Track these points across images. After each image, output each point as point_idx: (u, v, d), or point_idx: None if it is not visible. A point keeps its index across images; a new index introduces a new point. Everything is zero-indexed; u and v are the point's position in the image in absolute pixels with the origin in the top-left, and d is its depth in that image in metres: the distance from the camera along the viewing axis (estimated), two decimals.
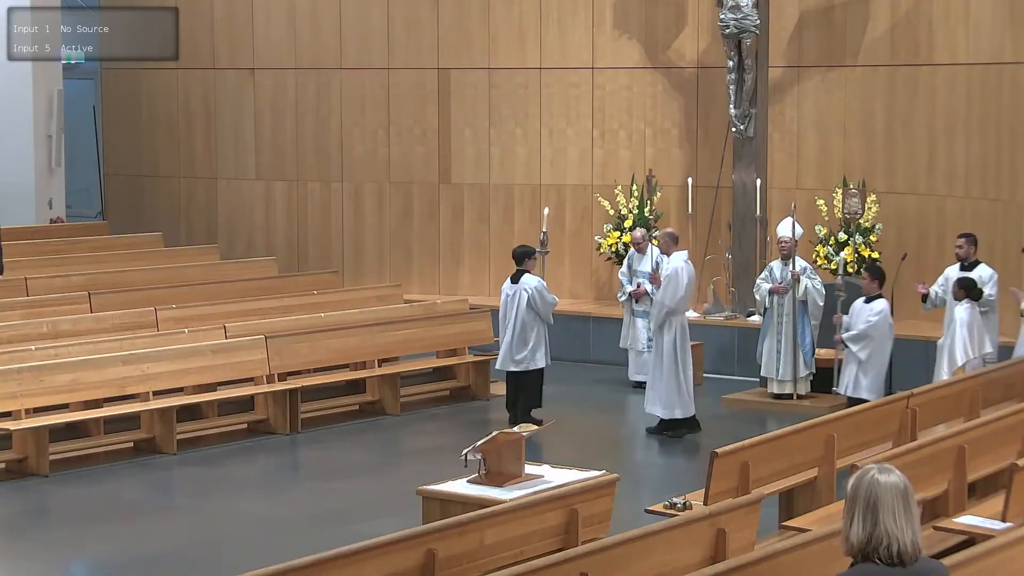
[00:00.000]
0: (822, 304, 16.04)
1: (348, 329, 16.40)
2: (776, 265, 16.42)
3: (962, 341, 13.88)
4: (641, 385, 16.26)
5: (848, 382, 14.46)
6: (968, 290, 14.10)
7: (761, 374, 16.57)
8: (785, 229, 16.32)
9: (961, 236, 15.19)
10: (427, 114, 20.94)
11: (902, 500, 5.15)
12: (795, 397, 16.25)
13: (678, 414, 14.85)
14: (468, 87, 20.72)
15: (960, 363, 13.83)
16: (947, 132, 18.05)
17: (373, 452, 15.04)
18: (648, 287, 16.47)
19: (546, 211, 17.14)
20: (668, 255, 15.30)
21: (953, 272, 14.87)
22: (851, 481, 5.24)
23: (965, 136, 17.79)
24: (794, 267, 16.09)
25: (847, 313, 14.63)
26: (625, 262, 17.60)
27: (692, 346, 17.58)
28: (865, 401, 13.51)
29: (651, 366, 15.18)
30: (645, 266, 16.91)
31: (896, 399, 12.04)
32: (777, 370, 16.29)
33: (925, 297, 15.05)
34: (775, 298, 16.23)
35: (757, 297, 16.73)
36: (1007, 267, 16.46)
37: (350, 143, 21.32)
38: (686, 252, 15.16)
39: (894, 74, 18.59)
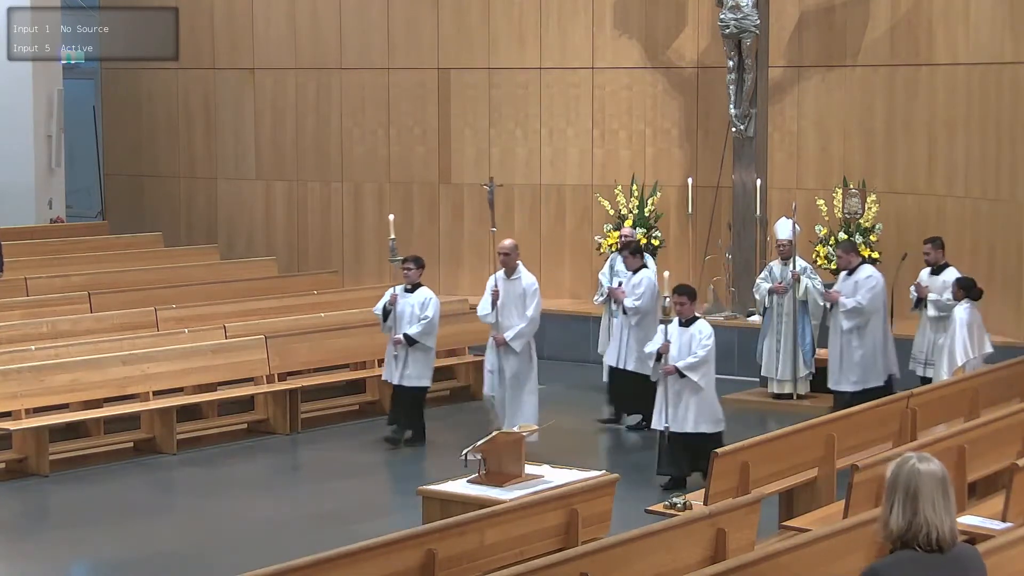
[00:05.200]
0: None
1: (348, 329, 16.40)
2: (776, 265, 16.41)
3: (962, 341, 13.87)
4: None
5: (690, 415, 12.68)
6: (968, 290, 14.09)
7: (761, 374, 16.56)
8: (783, 231, 16.30)
9: (927, 241, 15.26)
10: (427, 114, 20.92)
11: (941, 488, 5.25)
12: (795, 397, 16.24)
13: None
14: (468, 87, 20.70)
15: (960, 363, 13.82)
16: (947, 132, 18.04)
17: (373, 452, 15.03)
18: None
19: (391, 218, 16.31)
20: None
21: (925, 277, 14.96)
22: (890, 469, 5.33)
23: (965, 136, 17.78)
24: (794, 267, 16.08)
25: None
26: (607, 263, 16.66)
27: None
28: (707, 434, 12.53)
29: None
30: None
31: (896, 399, 12.06)
32: (777, 370, 16.28)
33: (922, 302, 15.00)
34: (775, 298, 16.21)
35: (757, 297, 16.72)
36: (1007, 267, 16.47)
37: (350, 143, 21.31)
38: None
39: (894, 74, 18.59)
